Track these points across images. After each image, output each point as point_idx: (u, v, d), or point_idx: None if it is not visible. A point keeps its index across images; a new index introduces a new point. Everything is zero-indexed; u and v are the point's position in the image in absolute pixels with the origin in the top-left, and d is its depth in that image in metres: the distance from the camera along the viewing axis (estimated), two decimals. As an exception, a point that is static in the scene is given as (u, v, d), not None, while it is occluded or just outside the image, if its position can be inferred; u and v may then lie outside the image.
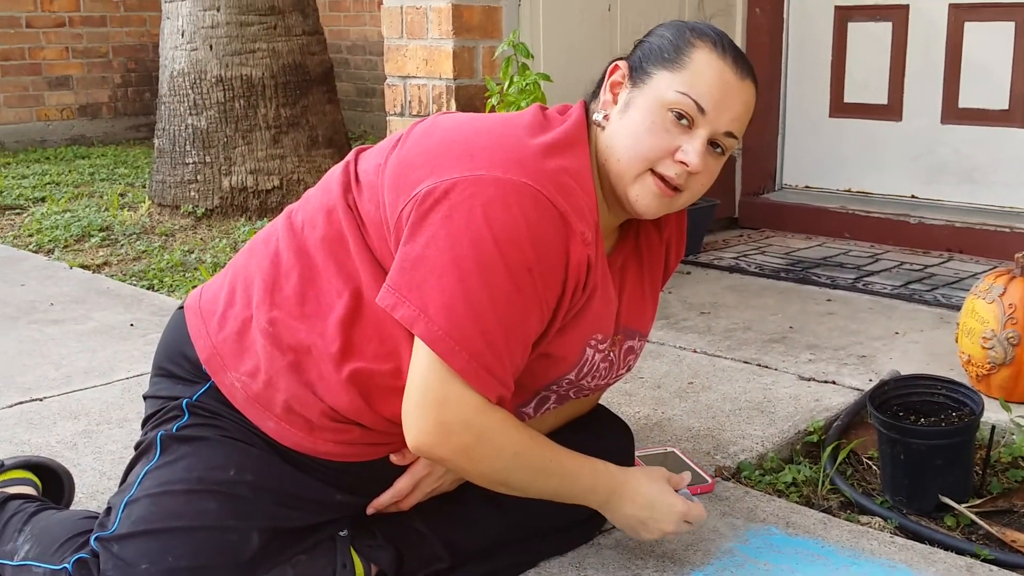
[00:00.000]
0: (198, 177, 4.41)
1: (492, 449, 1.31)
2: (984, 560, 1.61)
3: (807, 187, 4.01)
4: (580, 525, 1.61)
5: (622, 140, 1.37)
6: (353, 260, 1.36)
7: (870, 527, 1.74)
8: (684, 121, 1.34)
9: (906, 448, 1.82)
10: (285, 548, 1.36)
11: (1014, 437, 2.01)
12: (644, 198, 1.37)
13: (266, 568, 1.32)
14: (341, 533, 1.44)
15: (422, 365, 1.28)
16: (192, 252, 3.87)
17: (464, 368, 1.26)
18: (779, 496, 1.86)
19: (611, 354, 1.49)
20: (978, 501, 1.83)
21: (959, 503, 1.80)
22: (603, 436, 1.65)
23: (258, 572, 1.31)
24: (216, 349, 1.40)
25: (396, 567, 1.43)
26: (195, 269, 3.61)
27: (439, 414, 1.27)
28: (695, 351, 2.59)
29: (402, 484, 1.44)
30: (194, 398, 1.40)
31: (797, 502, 1.84)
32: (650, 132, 1.35)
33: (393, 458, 1.43)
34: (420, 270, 1.27)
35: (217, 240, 4.07)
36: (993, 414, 1.98)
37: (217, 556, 1.29)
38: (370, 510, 1.46)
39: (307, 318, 1.36)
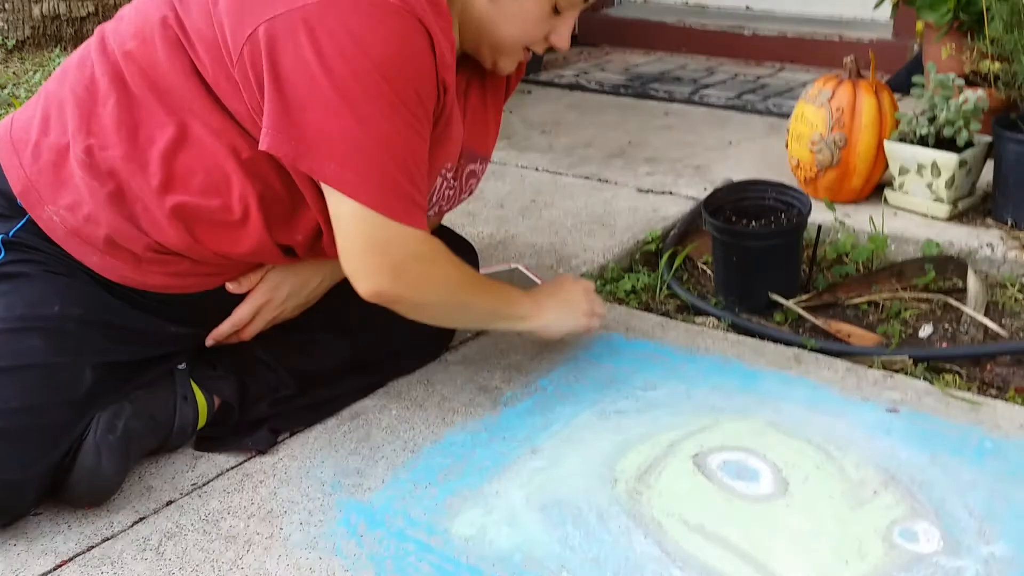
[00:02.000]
0: (5, 6, 4.06)
1: (442, 273, 1.34)
2: (810, 350, 1.70)
3: (645, 0, 3.98)
4: (427, 344, 1.62)
5: (507, 26, 1.36)
6: (177, 87, 1.26)
7: (705, 327, 1.81)
8: (558, 11, 1.37)
9: (738, 251, 1.88)
10: (121, 384, 1.32)
11: (839, 235, 2.11)
12: (508, 66, 1.43)
13: (102, 404, 1.27)
14: (180, 366, 1.40)
15: (350, 217, 1.23)
16: (4, 88, 3.60)
17: (392, 208, 1.23)
18: (620, 304, 1.91)
19: (454, 180, 1.46)
20: (805, 297, 1.92)
21: (788, 299, 1.88)
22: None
23: (94, 409, 1.26)
24: (31, 182, 1.29)
25: (239, 396, 1.41)
26: (9, 106, 3.36)
27: (387, 258, 1.26)
28: (537, 169, 2.59)
29: (242, 312, 1.40)
30: (10, 234, 1.31)
31: (636, 308, 1.90)
32: (537, 22, 1.37)
33: (229, 286, 1.38)
34: (311, 113, 1.18)
35: (31, 73, 3.79)
36: (820, 214, 2.07)
37: (49, 394, 1.23)
38: (209, 341, 1.42)
39: (126, 148, 1.26)
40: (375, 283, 1.27)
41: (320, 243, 1.34)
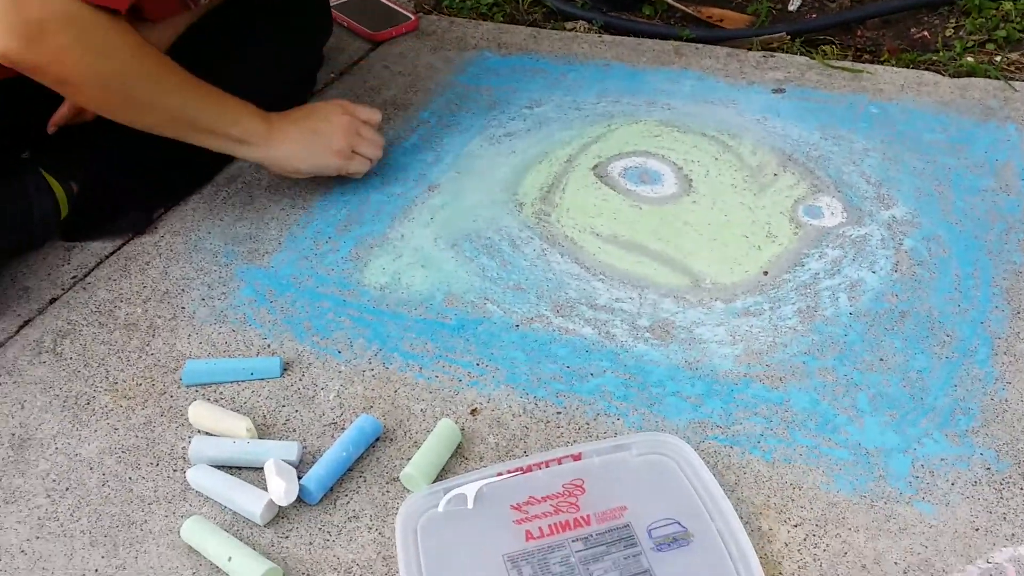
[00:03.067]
0: None
1: (99, 46, 1.04)
2: (687, 40, 1.65)
3: None
4: (290, 97, 1.49)
5: None
6: None
7: (577, 32, 1.73)
8: None
9: (601, -56, 1.77)
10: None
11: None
12: None
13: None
14: (23, 155, 1.25)
15: None
16: None
17: None
18: (484, 20, 1.80)
19: None
20: (671, -15, 1.85)
21: (655, -9, 1.80)
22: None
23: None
24: None
25: (100, 178, 1.27)
26: None
27: (16, 10, 0.99)
28: None
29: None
30: None
31: (503, 22, 1.79)
32: None
33: None
34: None
35: None
36: None
37: None
38: (50, 128, 1.26)
39: None
40: (4, 41, 0.99)
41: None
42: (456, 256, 1.22)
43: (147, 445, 0.99)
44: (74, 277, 1.23)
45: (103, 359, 1.10)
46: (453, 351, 1.08)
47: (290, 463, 0.94)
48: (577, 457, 0.93)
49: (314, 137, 1.24)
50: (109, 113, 1.13)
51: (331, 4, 1.61)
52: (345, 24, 1.72)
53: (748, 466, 0.93)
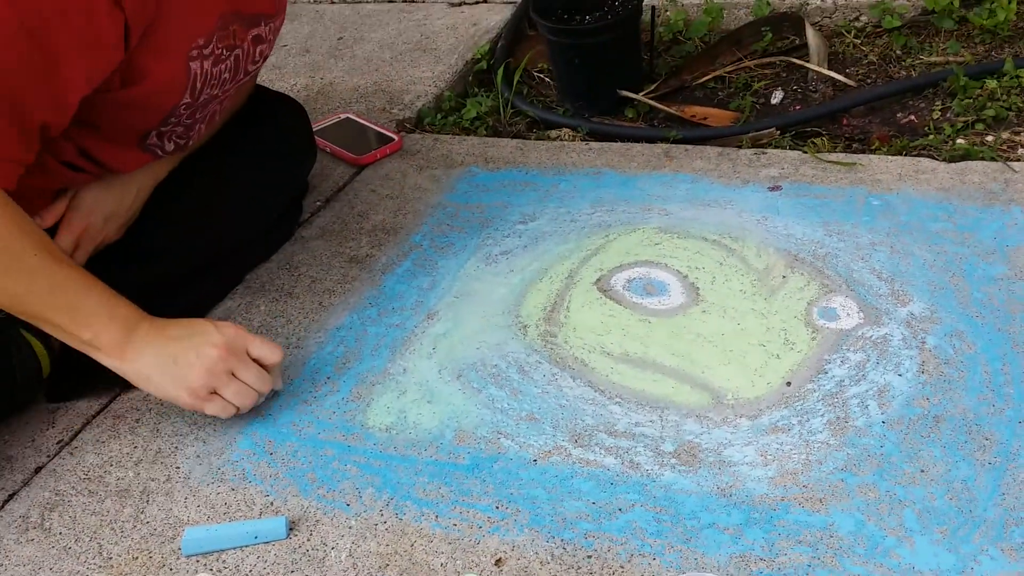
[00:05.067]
0: None
1: None
2: (674, 141, 1.63)
3: None
4: (276, 225, 1.45)
5: None
6: None
7: (563, 140, 1.71)
8: None
9: (578, 51, 1.76)
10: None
11: (669, 14, 2.01)
12: None
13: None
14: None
15: None
16: None
17: None
18: (468, 135, 1.77)
19: (229, 53, 1.20)
20: (652, 87, 1.84)
21: (637, 93, 1.79)
22: (276, 117, 1.45)
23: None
24: None
25: None
26: None
27: None
28: (333, 1, 2.35)
29: (60, 245, 1.20)
30: None
31: (487, 135, 1.77)
32: None
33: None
34: None
35: None
36: (648, -3, 1.96)
37: None
38: None
39: None
40: None
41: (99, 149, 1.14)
42: (463, 388, 1.16)
43: (148, 629, 0.91)
44: (60, 442, 1.16)
45: (95, 532, 1.03)
46: (470, 494, 1.01)
47: (305, 639, 0.86)
48: (616, 608, 0.86)
49: (171, 366, 1.06)
50: None
51: (311, 132, 1.58)
52: (328, 150, 1.69)
53: (800, 604, 0.86)
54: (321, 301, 1.33)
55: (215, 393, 1.08)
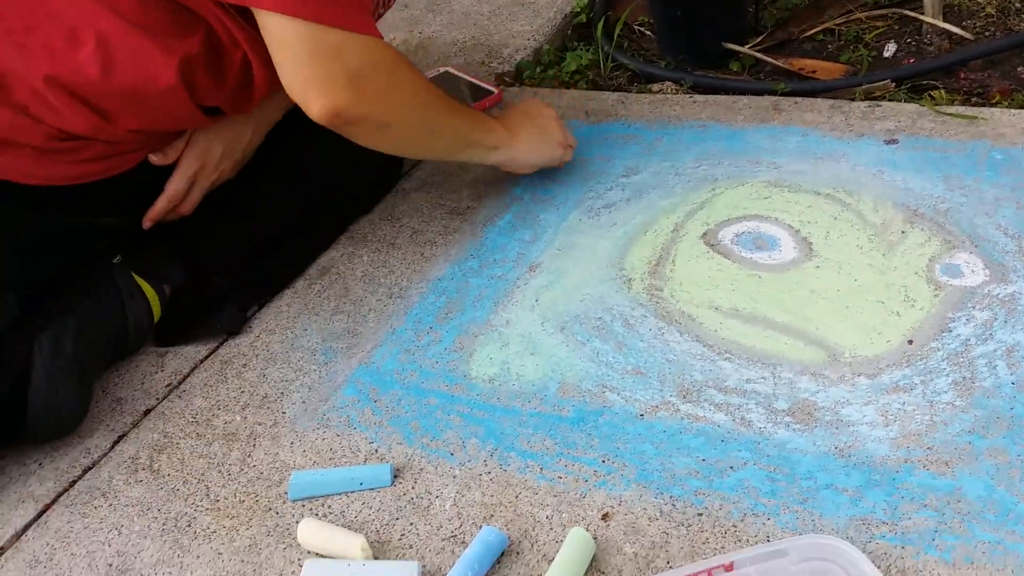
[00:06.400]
0: None
1: (409, 87, 1.13)
2: (782, 94, 1.57)
3: None
4: (379, 176, 1.45)
5: None
6: None
7: (665, 93, 1.66)
8: None
9: (681, 3, 1.71)
10: (54, 299, 1.13)
11: (777, -35, 1.93)
12: None
13: (40, 327, 1.09)
14: (114, 260, 1.21)
15: (295, 38, 1.02)
16: None
17: (338, 16, 1.02)
18: (568, 88, 1.74)
19: None
20: (758, 39, 1.77)
21: (741, 46, 1.73)
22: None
23: (30, 335, 1.08)
24: None
25: (191, 279, 1.23)
26: None
27: (341, 66, 1.03)
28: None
29: (175, 184, 1.21)
30: None
31: (587, 89, 1.73)
32: None
33: (153, 158, 1.18)
34: None
35: None
36: (755, -55, 1.88)
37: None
38: (146, 223, 1.23)
39: None
40: (331, 99, 1.04)
41: (247, 95, 1.14)
42: (567, 341, 1.14)
43: (254, 572, 0.91)
44: (168, 385, 1.17)
45: (202, 474, 1.04)
46: (575, 447, 0.99)
47: (412, 586, 0.85)
48: (729, 567, 0.83)
49: (542, 134, 1.34)
50: (401, 149, 1.23)
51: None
52: (426, 102, 1.67)
53: (926, 569, 0.82)
54: (423, 252, 1.32)
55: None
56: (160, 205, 1.21)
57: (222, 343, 1.22)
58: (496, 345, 1.15)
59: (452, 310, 1.21)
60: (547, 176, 1.43)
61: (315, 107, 1.05)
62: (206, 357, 1.20)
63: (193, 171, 1.21)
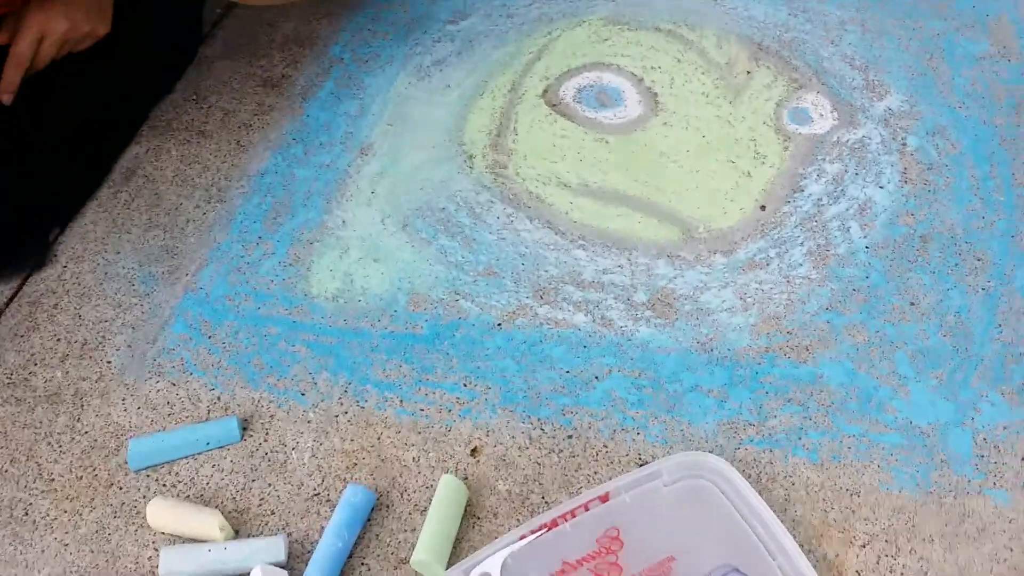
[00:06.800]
0: None
1: None
2: (613, -99, 1.43)
3: None
4: (176, 45, 1.27)
5: None
6: None
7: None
8: None
9: None
10: None
11: None
12: None
13: None
14: None
15: None
16: None
17: None
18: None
19: None
20: None
21: None
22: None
23: None
24: None
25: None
26: None
27: None
28: None
29: (21, 43, 1.05)
30: None
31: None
32: None
33: None
34: None
35: None
36: None
37: None
38: (4, 98, 1.07)
39: None
40: None
41: None
42: (411, 240, 1.06)
43: (107, 563, 0.85)
44: (-29, 340, 1.04)
45: (30, 449, 0.94)
46: (433, 371, 0.94)
47: (279, 565, 0.81)
48: (605, 498, 0.81)
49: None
50: None
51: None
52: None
53: (795, 473, 0.83)
54: (239, 139, 1.19)
55: None
56: (10, 73, 1.06)
57: (26, 279, 1.08)
58: (335, 253, 1.06)
59: (280, 212, 1.11)
60: (367, 27, 1.29)
61: None
62: (10, 300, 1.07)
63: (36, 33, 1.05)
